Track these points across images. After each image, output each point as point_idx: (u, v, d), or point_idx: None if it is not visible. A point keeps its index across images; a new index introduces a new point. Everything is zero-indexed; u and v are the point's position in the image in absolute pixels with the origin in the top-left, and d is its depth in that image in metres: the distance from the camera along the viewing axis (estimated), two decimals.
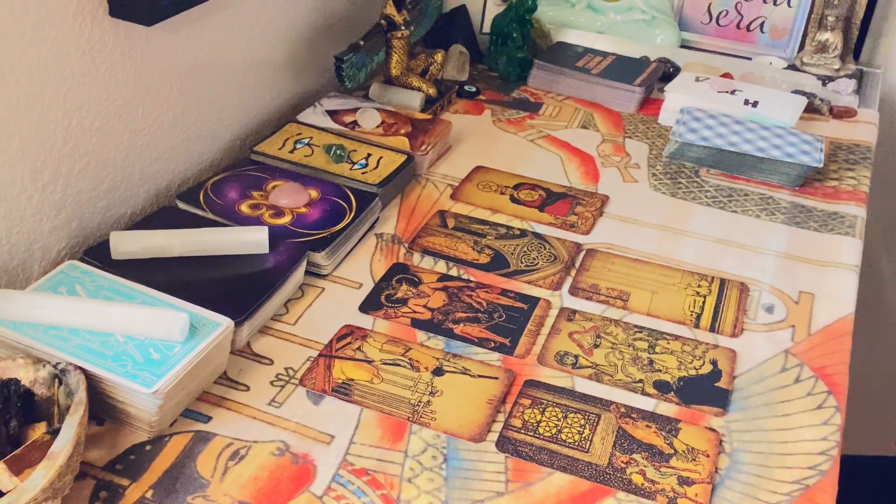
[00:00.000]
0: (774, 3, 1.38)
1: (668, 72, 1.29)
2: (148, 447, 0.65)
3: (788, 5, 1.37)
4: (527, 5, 1.27)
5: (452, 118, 1.16)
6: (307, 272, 0.84)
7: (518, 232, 0.93)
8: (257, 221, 0.86)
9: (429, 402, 0.70)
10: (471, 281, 0.85)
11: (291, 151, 0.98)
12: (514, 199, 0.99)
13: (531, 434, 0.68)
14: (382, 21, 1.11)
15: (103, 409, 0.66)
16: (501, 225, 0.94)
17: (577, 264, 0.89)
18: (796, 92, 1.24)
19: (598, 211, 0.97)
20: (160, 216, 0.85)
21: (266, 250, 0.80)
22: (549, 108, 1.22)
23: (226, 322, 0.70)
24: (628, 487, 0.64)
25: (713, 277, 0.87)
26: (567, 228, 0.94)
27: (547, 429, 0.68)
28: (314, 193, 0.91)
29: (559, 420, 0.69)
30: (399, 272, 0.86)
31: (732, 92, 1.16)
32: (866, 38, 1.38)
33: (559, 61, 1.27)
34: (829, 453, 0.68)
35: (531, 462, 0.66)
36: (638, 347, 0.78)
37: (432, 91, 1.15)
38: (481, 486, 0.64)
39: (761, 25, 1.39)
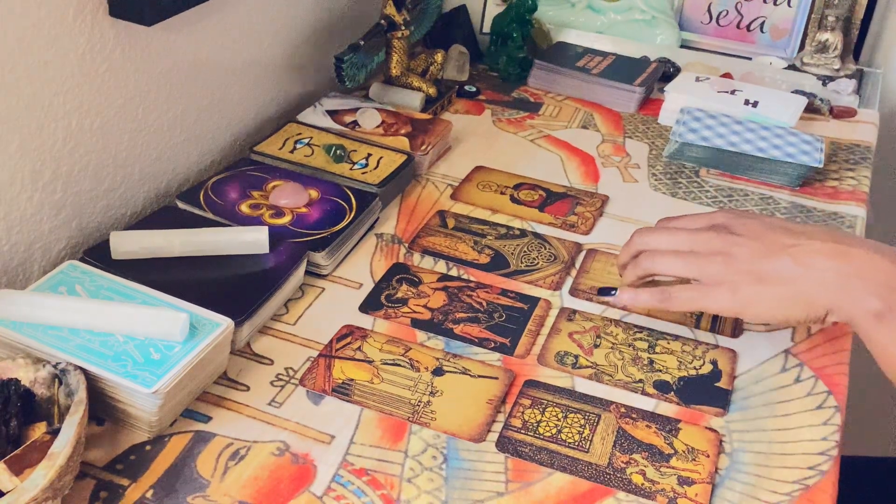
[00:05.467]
0: (774, 3, 1.38)
1: (668, 72, 1.29)
2: (148, 447, 0.65)
3: (788, 5, 1.37)
4: (527, 5, 1.27)
5: (452, 118, 1.16)
6: (307, 272, 0.84)
7: (518, 232, 0.93)
8: (257, 221, 0.86)
9: (429, 402, 0.70)
10: (471, 281, 0.85)
11: (291, 151, 0.99)
12: (514, 199, 0.99)
13: (531, 434, 0.68)
14: (382, 21, 1.11)
15: (103, 409, 0.66)
16: (501, 225, 0.94)
17: (578, 264, 0.89)
18: (796, 92, 1.24)
19: (598, 211, 0.97)
20: (160, 216, 0.85)
21: (266, 250, 0.80)
22: (549, 108, 1.22)
23: (226, 322, 0.70)
24: (628, 487, 0.64)
25: None
26: (567, 228, 0.94)
27: (547, 429, 0.68)
28: (314, 193, 0.91)
29: (559, 420, 0.69)
30: (399, 272, 0.86)
31: (732, 92, 1.16)
32: (866, 38, 1.38)
33: (559, 61, 1.27)
34: (828, 453, 0.68)
35: (531, 462, 0.66)
36: (638, 347, 0.78)
37: (432, 91, 1.15)
38: (481, 486, 0.64)
39: (761, 25, 1.39)
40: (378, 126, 1.05)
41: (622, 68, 1.26)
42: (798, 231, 0.71)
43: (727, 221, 0.74)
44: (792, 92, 1.23)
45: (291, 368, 0.73)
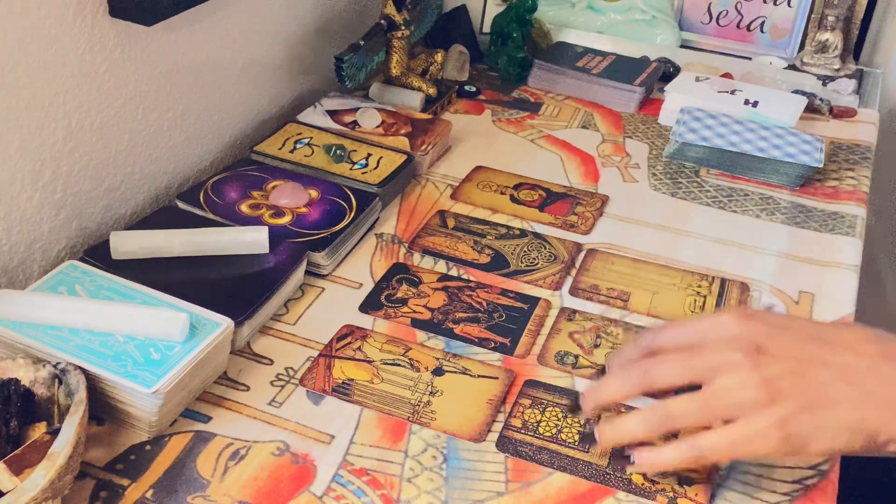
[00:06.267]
0: (774, 3, 1.38)
1: (668, 72, 1.29)
2: (148, 447, 0.65)
3: (788, 5, 1.37)
4: (527, 5, 1.27)
5: (452, 118, 1.16)
6: (307, 272, 0.84)
7: (518, 232, 0.93)
8: (257, 221, 0.86)
9: (429, 402, 0.70)
10: (471, 281, 0.85)
11: (291, 151, 0.99)
12: (514, 199, 0.99)
13: (531, 434, 0.68)
14: (382, 21, 1.11)
15: (103, 409, 0.66)
16: (501, 225, 0.94)
17: (578, 264, 0.89)
18: (796, 92, 1.24)
19: (598, 211, 0.97)
20: (160, 216, 0.85)
21: (266, 250, 0.80)
22: (549, 108, 1.22)
23: (226, 322, 0.70)
24: (628, 487, 0.64)
25: (713, 277, 0.87)
26: (567, 228, 0.94)
27: (547, 429, 0.68)
28: (314, 193, 0.91)
29: (559, 420, 0.69)
30: (399, 272, 0.86)
31: (732, 92, 1.16)
32: (866, 38, 1.38)
33: (559, 61, 1.27)
34: None
35: (531, 462, 0.66)
36: None
37: (432, 91, 1.15)
38: (481, 486, 0.64)
39: (761, 25, 1.39)
40: (378, 126, 1.04)
41: (622, 68, 1.26)
42: (833, 340, 0.57)
43: (758, 339, 0.57)
44: (792, 92, 1.23)
45: (291, 368, 0.73)
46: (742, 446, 0.56)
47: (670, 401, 0.58)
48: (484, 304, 0.82)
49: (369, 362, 0.74)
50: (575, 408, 0.64)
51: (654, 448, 0.60)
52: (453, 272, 0.86)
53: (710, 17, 1.41)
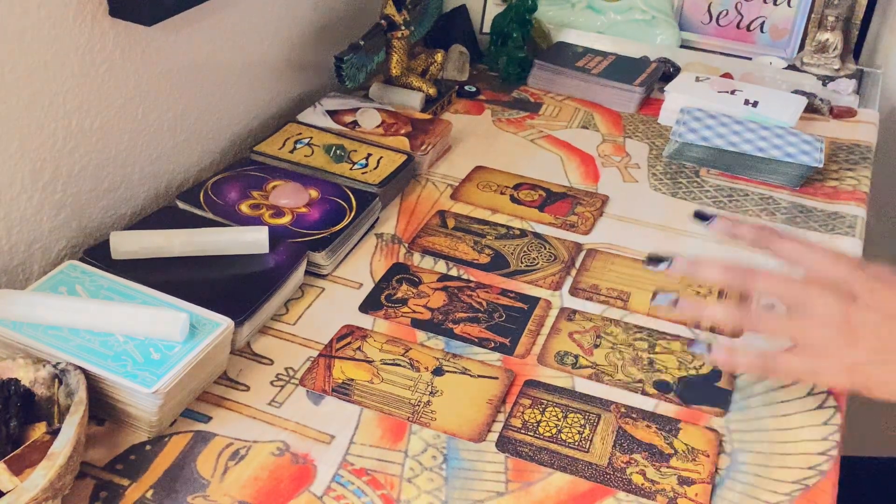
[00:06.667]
0: (774, 3, 1.38)
1: (668, 72, 1.29)
2: (148, 447, 0.65)
3: (788, 5, 1.37)
4: (527, 5, 1.27)
5: (452, 118, 1.16)
6: (307, 272, 0.84)
7: (518, 232, 0.93)
8: (257, 221, 0.86)
9: (429, 402, 0.70)
10: (471, 281, 0.85)
11: (291, 151, 0.99)
12: (514, 199, 0.99)
13: (531, 434, 0.68)
14: (382, 21, 1.11)
15: (103, 409, 0.66)
16: (501, 225, 0.94)
17: (578, 264, 0.89)
18: (796, 92, 1.24)
19: (598, 211, 0.97)
20: (160, 216, 0.85)
21: (266, 250, 0.80)
22: (549, 108, 1.22)
23: (226, 322, 0.70)
24: (628, 487, 0.64)
25: None
26: (567, 228, 0.94)
27: (547, 429, 0.68)
28: (314, 193, 0.91)
29: (559, 420, 0.69)
30: (399, 272, 0.86)
31: (732, 92, 1.16)
32: (866, 38, 1.38)
33: (559, 61, 1.27)
34: (829, 454, 0.68)
35: (531, 462, 0.66)
36: (638, 347, 0.78)
37: (432, 91, 1.15)
38: (481, 486, 0.64)
39: (761, 25, 1.39)
40: (378, 126, 1.04)
41: (622, 68, 1.26)
42: None
43: (854, 283, 0.63)
44: (792, 92, 1.23)
45: (291, 368, 0.73)
46: (811, 376, 0.65)
47: (760, 310, 0.66)
48: (484, 304, 0.82)
49: (369, 362, 0.74)
50: (655, 259, 0.69)
51: (730, 350, 0.67)
52: (453, 272, 0.86)
53: (710, 18, 1.41)
